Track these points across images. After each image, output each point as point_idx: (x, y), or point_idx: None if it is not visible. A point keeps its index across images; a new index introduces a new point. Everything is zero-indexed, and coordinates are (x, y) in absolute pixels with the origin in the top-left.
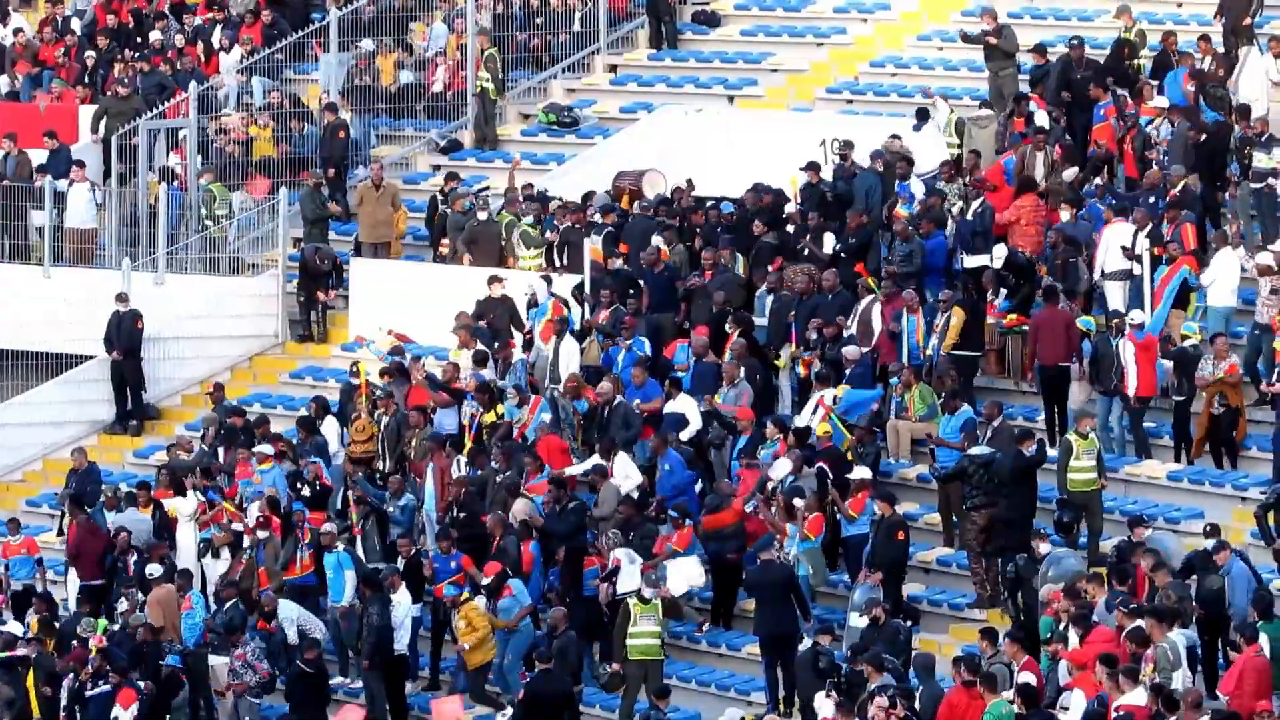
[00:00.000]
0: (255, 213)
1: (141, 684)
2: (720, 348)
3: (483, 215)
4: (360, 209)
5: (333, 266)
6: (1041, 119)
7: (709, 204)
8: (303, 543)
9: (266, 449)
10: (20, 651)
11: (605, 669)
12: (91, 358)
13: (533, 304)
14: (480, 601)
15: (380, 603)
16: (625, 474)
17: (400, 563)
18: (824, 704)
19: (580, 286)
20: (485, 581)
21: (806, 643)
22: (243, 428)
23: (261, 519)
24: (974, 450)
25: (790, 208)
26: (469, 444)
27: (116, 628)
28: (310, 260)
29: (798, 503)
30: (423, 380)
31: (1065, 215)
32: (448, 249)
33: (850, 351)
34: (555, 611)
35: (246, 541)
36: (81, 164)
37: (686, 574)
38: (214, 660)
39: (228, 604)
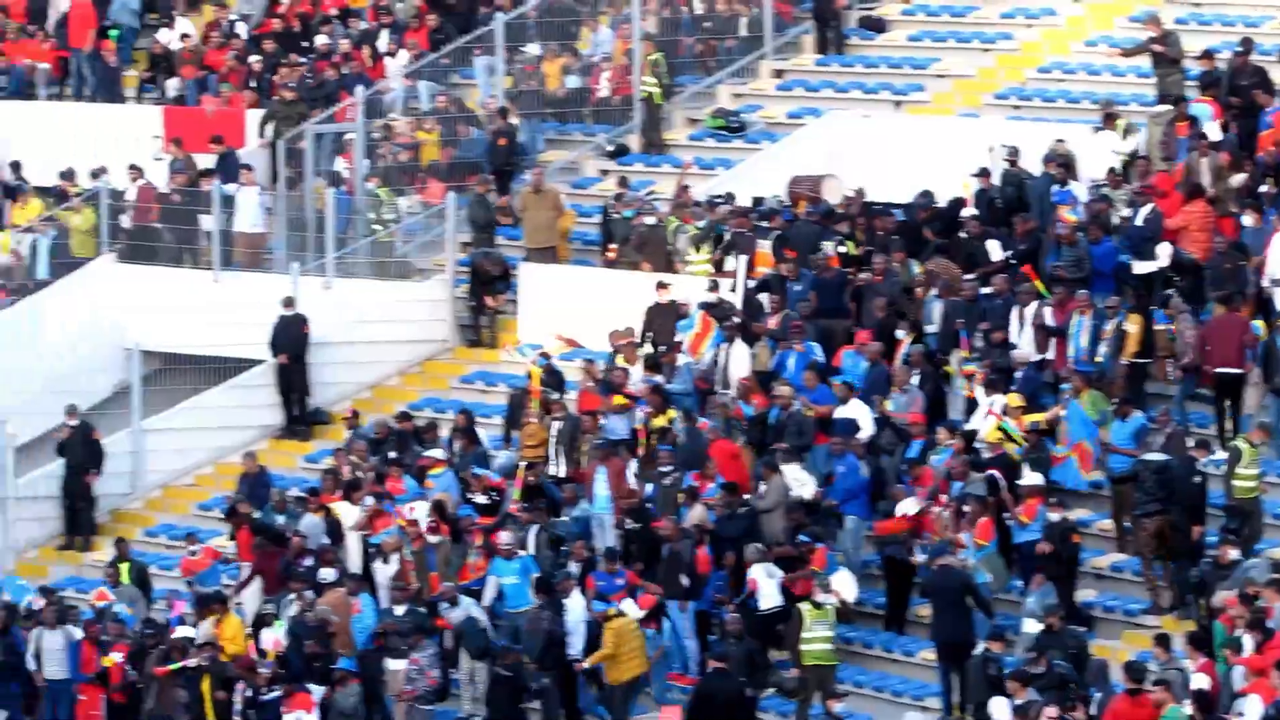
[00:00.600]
0: (423, 218)
1: (317, 687)
2: (891, 353)
3: (650, 220)
4: (523, 214)
5: (502, 271)
6: (1209, 126)
7: (878, 209)
8: (473, 546)
9: (438, 453)
10: (193, 661)
11: (785, 674)
12: (259, 362)
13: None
14: (630, 611)
15: (553, 607)
16: (799, 480)
17: (574, 567)
18: (999, 707)
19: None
20: (640, 614)
21: (979, 648)
22: (413, 432)
23: (432, 524)
24: (1148, 455)
25: (967, 212)
26: (641, 449)
27: (284, 630)
28: (480, 265)
29: (966, 509)
30: (593, 385)
31: (1249, 220)
32: (615, 253)
33: (1019, 355)
34: (730, 618)
35: (408, 550)
36: (250, 168)
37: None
38: (391, 664)
39: (404, 607)
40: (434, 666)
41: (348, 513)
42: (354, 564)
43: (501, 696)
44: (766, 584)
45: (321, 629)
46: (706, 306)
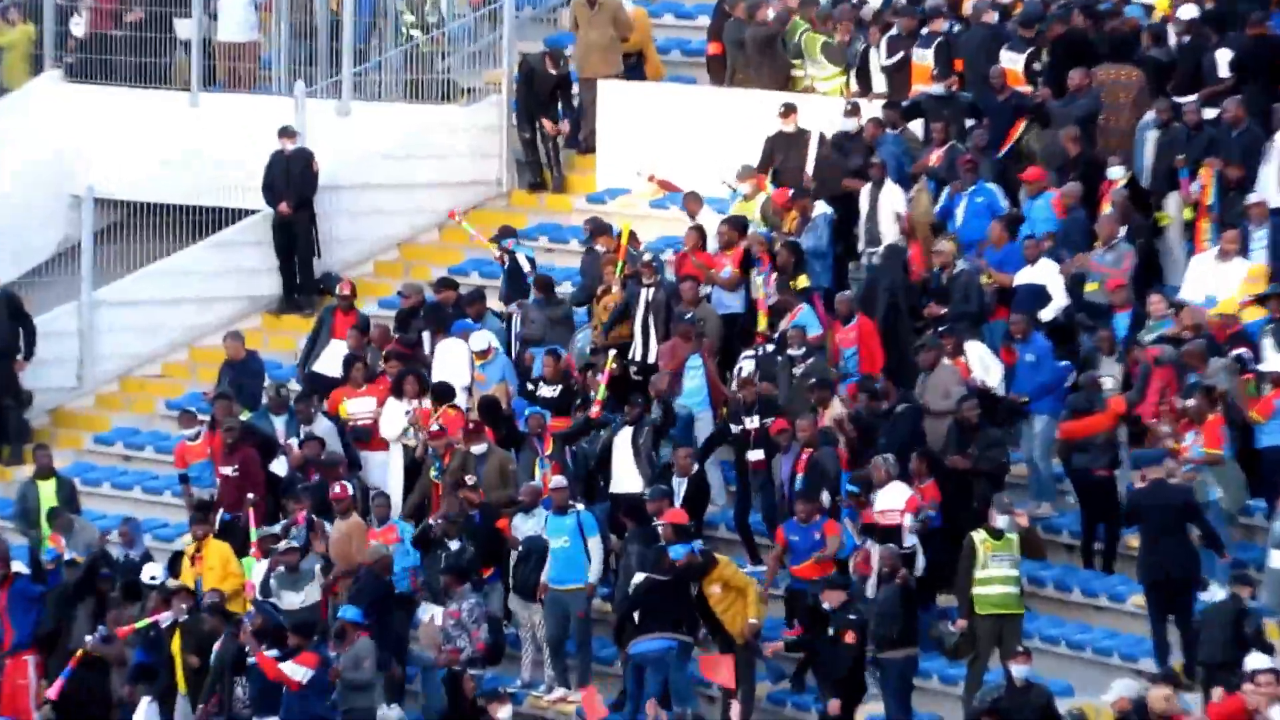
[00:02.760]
0: (472, 19)
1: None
2: (1092, 198)
3: (768, 18)
4: (576, 34)
5: (560, 79)
6: None
7: (1078, 7)
8: (542, 454)
9: (487, 339)
10: (166, 616)
11: (947, 628)
12: (251, 213)
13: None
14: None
15: (644, 537)
16: (983, 363)
17: (680, 485)
18: (1259, 662)
19: None
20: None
21: (1214, 593)
22: (454, 304)
23: (473, 425)
24: None
25: (1186, 10)
26: (763, 324)
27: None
28: (539, 65)
29: (1190, 404)
30: (700, 240)
31: None
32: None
33: (1255, 201)
34: (884, 551)
35: (434, 466)
36: None
37: None
38: (424, 611)
39: (448, 541)
40: (480, 623)
41: (390, 415)
42: (391, 485)
43: None
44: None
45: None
46: (844, 138)
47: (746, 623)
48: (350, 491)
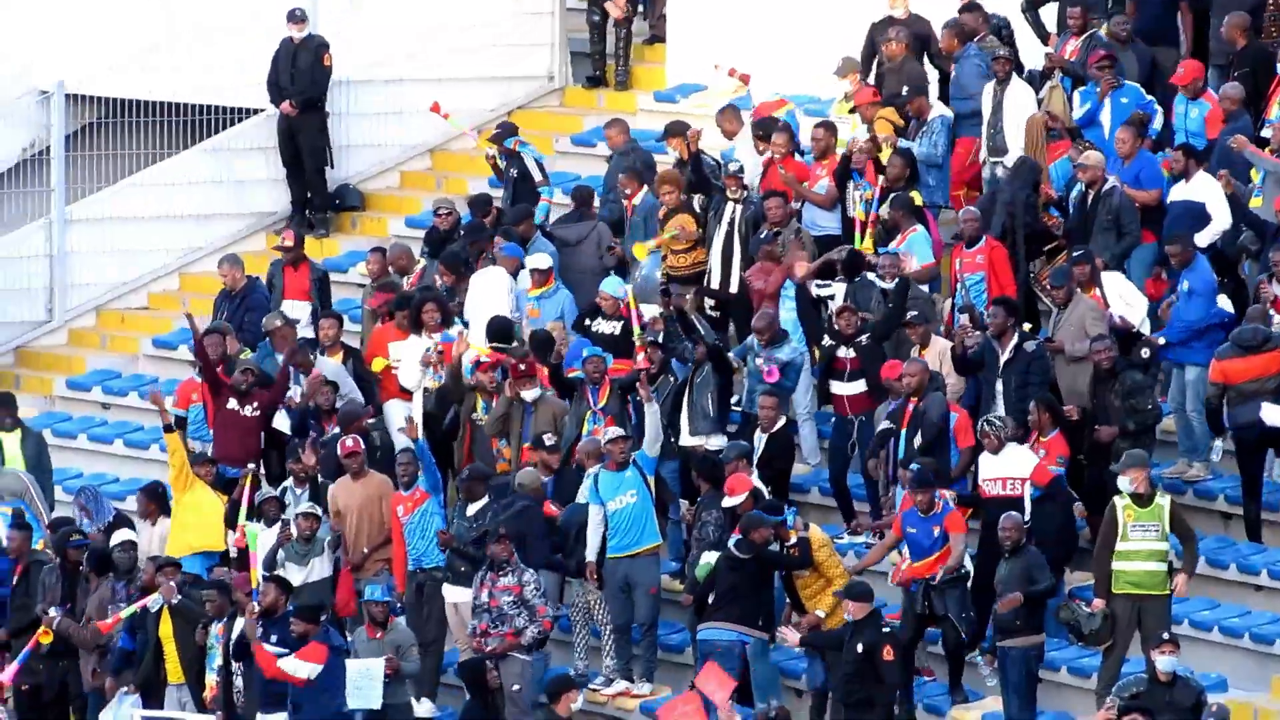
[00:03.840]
0: None
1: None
2: (1256, 100)
3: None
4: None
5: None
6: None
7: None
8: (594, 409)
9: (548, 259)
10: (153, 599)
11: (1080, 609)
12: (253, 113)
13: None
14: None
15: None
16: (1121, 297)
17: (760, 441)
18: None
19: None
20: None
21: None
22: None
23: (524, 366)
24: None
25: None
26: (867, 238)
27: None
28: None
29: None
30: (786, 144)
31: None
32: None
33: None
34: (1007, 519)
35: (481, 406)
36: None
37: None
38: (449, 593)
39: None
40: (546, 598)
41: (408, 357)
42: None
43: None
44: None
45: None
46: (954, 26)
47: (808, 615)
48: (363, 447)
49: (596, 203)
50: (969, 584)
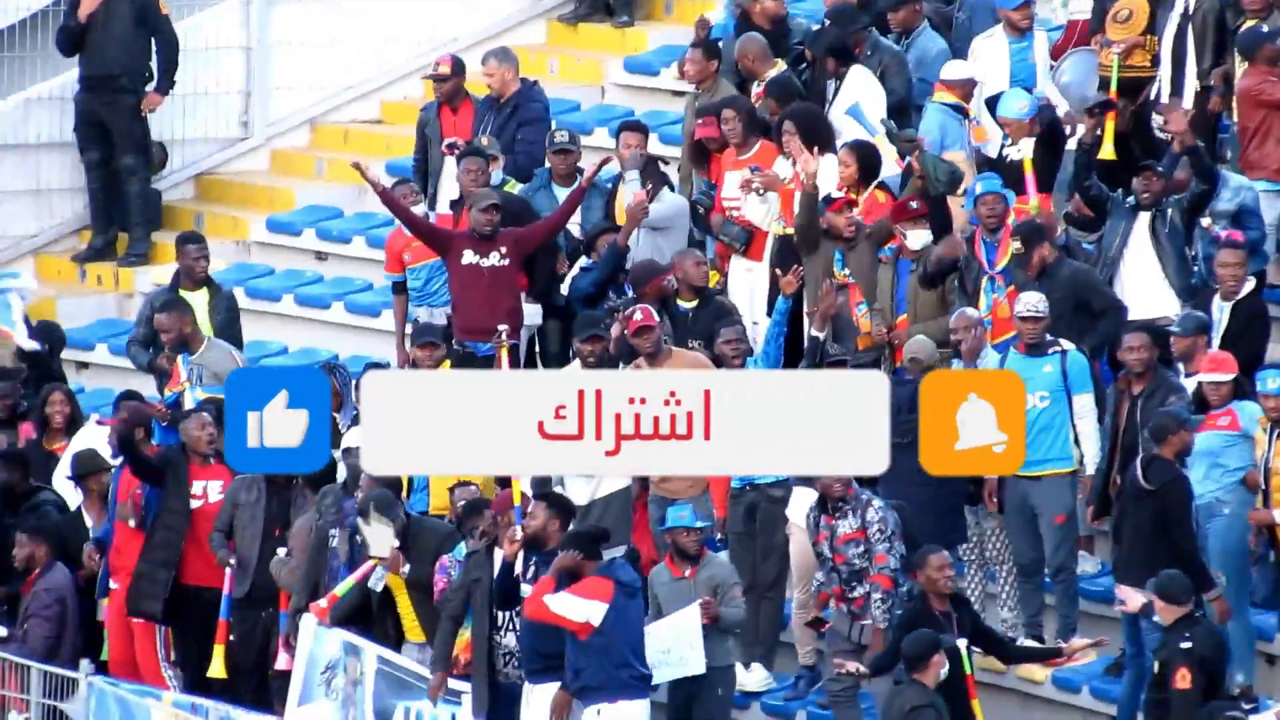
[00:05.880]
0: None
1: None
2: None
3: None
4: None
5: None
6: None
7: None
8: (989, 271)
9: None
10: (377, 574)
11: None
12: None
13: None
14: None
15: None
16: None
17: (1223, 311)
18: None
19: None
20: None
21: None
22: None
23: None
24: None
25: None
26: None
27: None
28: None
29: None
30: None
31: None
32: None
33: None
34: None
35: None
36: None
37: None
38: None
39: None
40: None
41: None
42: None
43: None
44: None
45: None
46: None
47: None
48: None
49: None
50: None
